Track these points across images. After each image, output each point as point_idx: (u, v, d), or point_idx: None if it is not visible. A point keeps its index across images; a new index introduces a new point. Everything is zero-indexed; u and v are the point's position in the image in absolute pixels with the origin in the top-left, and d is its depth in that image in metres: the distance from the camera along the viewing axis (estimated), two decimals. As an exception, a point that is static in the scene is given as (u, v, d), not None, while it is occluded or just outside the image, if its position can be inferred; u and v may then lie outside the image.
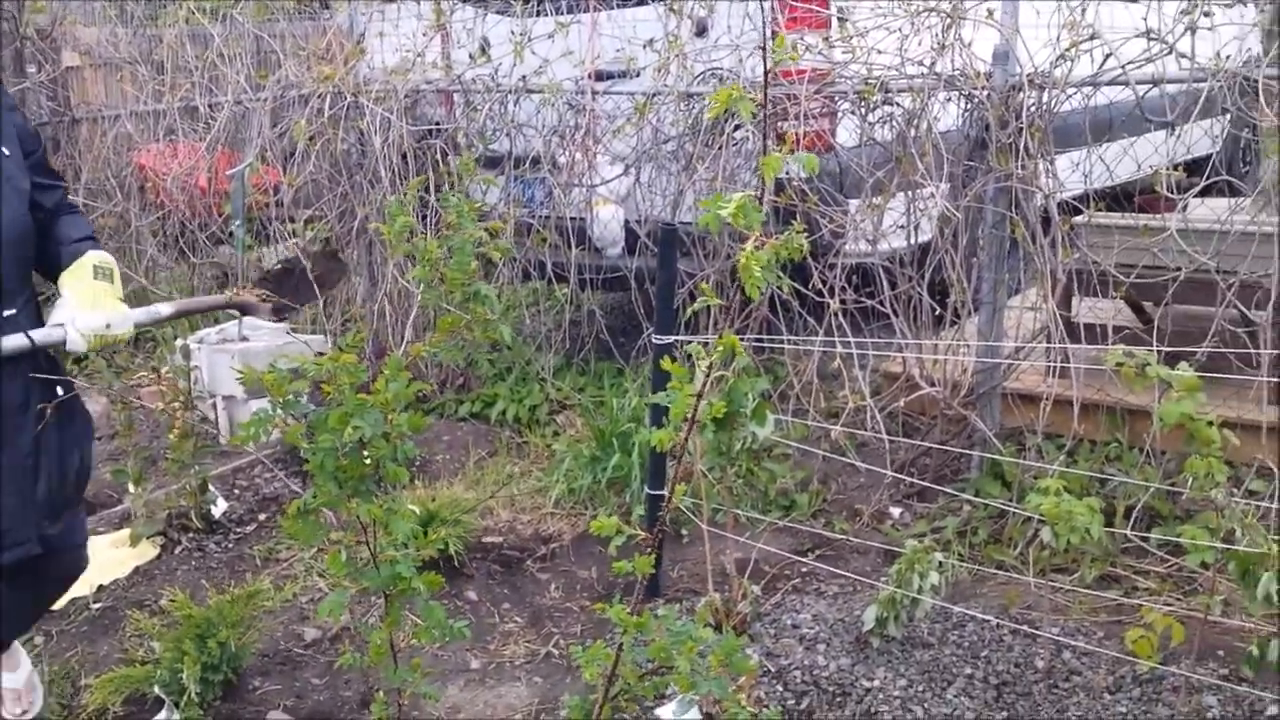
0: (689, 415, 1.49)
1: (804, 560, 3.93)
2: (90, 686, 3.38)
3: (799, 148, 4.65)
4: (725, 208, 1.32)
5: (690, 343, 1.46)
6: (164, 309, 2.98)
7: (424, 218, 5.33)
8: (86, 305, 2.62)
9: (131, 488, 4.30)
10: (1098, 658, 3.29)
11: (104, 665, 3.50)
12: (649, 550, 1.57)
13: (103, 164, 7.15)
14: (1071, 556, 3.81)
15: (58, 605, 3.89)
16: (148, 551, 4.18)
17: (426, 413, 4.37)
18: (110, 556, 4.16)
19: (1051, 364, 4.20)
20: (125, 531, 4.29)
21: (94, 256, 2.73)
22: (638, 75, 5.39)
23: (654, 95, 5.17)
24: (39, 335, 2.60)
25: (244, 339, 5.38)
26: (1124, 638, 3.21)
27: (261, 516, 4.48)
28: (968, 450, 4.21)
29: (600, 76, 5.54)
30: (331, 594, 1.46)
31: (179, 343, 5.16)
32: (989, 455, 4.04)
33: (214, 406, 5.27)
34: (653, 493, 3.87)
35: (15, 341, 2.53)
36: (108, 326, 2.64)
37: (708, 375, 1.47)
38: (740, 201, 1.32)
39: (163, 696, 3.26)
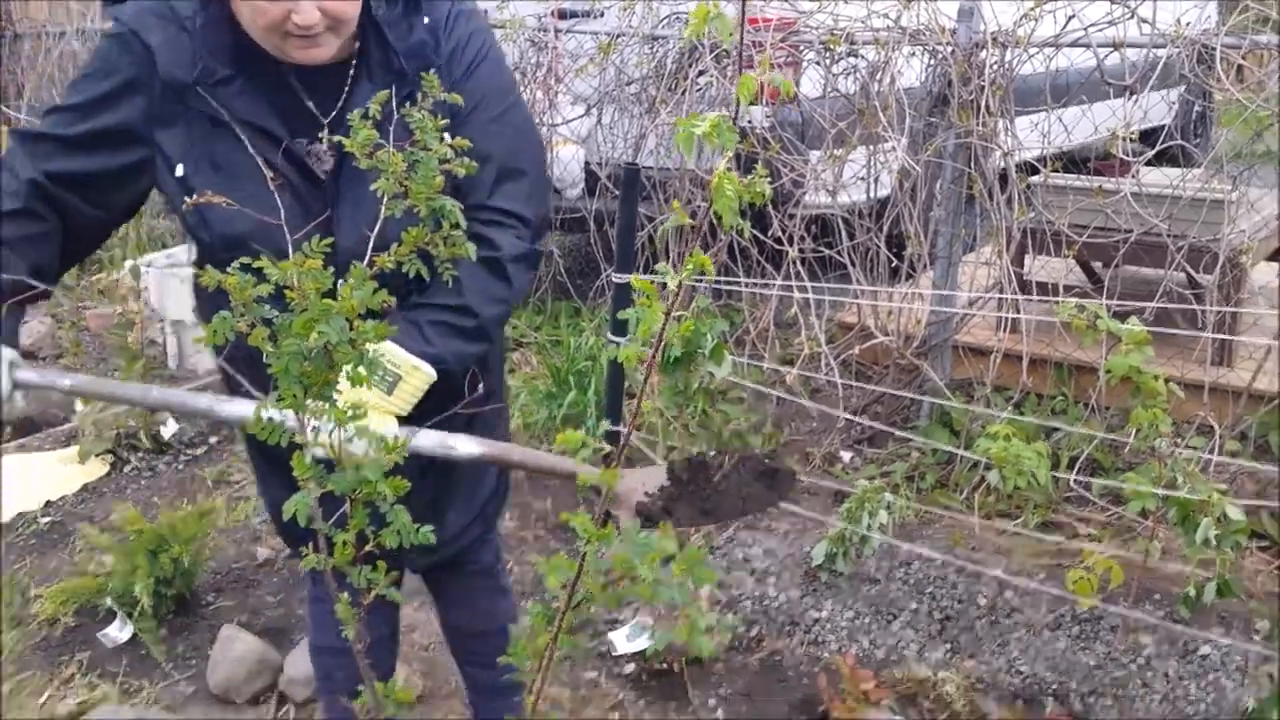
0: (655, 336, 1.49)
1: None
2: (41, 597, 3.35)
3: (762, 96, 4.67)
4: (699, 126, 1.32)
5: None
6: None
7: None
8: None
9: (79, 405, 4.23)
10: (1039, 597, 3.40)
11: (54, 578, 3.47)
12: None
13: (47, 81, 6.95)
14: (1015, 503, 3.93)
15: (6, 518, 3.85)
16: (96, 469, 4.13)
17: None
18: (58, 473, 4.10)
19: (1003, 318, 4.30)
20: (73, 449, 4.23)
21: None
22: (602, 15, 5.37)
23: (618, 36, 5.15)
24: None
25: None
26: (1065, 579, 3.32)
27: (213, 440, 4.43)
28: (919, 398, 4.30)
29: (564, 15, 5.50)
30: (297, 494, 1.46)
31: (128, 263, 5.07)
32: (939, 401, 4.13)
33: (162, 330, 5.20)
34: (610, 429, 3.91)
35: None
36: None
37: (678, 291, 1.47)
38: (715, 120, 1.33)
39: (115, 609, 3.25)
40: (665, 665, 3.21)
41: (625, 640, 3.32)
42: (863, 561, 3.58)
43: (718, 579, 3.45)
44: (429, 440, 1.83)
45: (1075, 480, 3.70)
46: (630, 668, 3.23)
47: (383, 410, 1.88)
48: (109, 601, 3.25)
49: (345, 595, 1.53)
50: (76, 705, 2.98)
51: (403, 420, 1.89)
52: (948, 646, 3.23)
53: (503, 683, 2.56)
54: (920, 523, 3.91)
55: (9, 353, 1.82)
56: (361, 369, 1.46)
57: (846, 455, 4.42)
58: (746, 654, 3.26)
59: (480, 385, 2.03)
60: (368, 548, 1.51)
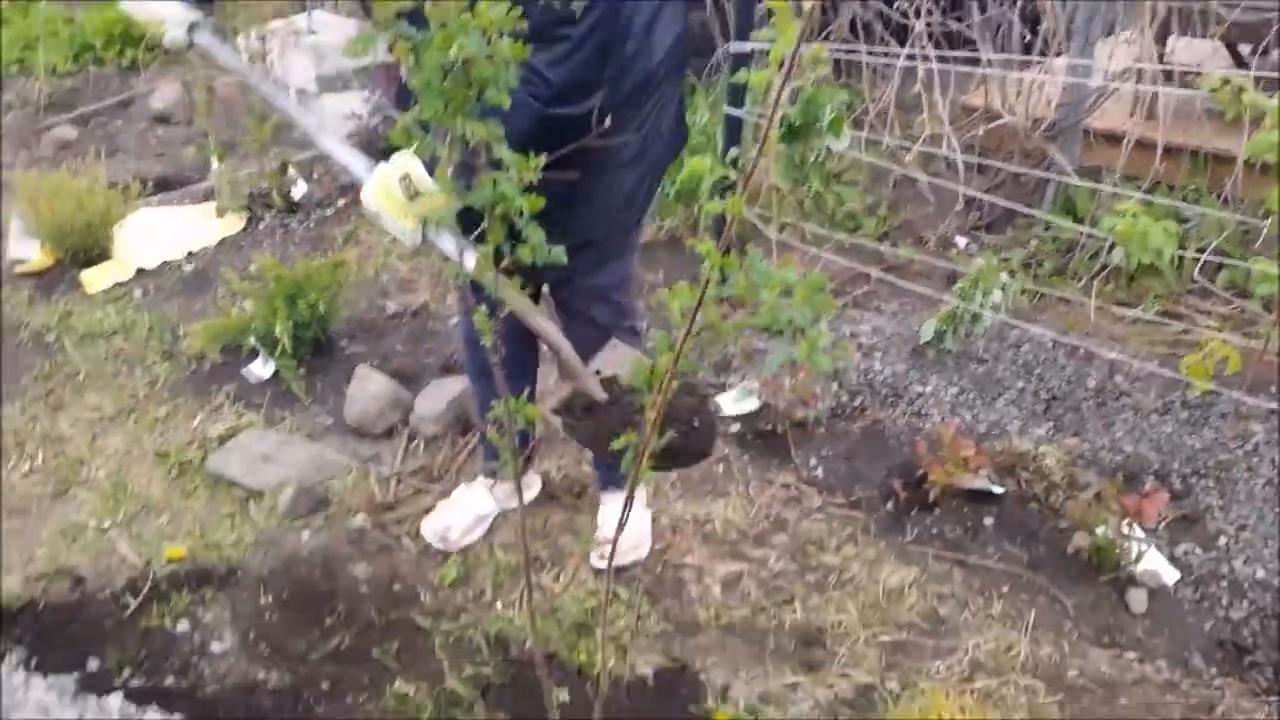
0: (785, 64, 1.47)
1: (870, 273, 3.99)
2: (189, 334, 3.61)
3: None
4: None
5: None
6: None
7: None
8: None
9: (215, 163, 4.41)
10: (1150, 382, 3.40)
11: (200, 319, 3.71)
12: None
13: None
14: (1135, 292, 3.87)
15: (152, 265, 4.11)
16: (234, 224, 4.34)
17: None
18: (198, 226, 4.32)
19: (1140, 101, 4.11)
20: (210, 205, 4.44)
21: None
22: None
23: None
24: None
25: (313, 33, 5.34)
26: (1180, 365, 3.31)
27: (341, 202, 4.59)
28: (1047, 175, 4.17)
29: None
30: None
31: (252, 31, 5.14)
32: (1067, 179, 4.00)
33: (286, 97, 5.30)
34: (725, 185, 3.92)
35: None
36: None
37: (808, 18, 1.42)
38: None
39: (258, 348, 3.49)
40: (770, 428, 3.33)
41: (732, 403, 3.45)
42: (971, 341, 3.61)
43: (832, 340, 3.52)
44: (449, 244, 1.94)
45: (1200, 274, 3.62)
46: (736, 428, 3.37)
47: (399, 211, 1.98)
48: (252, 341, 3.49)
49: (483, 308, 1.64)
50: (225, 429, 3.25)
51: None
52: (1051, 425, 3.28)
53: None
54: (1034, 309, 3.89)
55: (194, 14, 2.13)
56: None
57: (962, 241, 4.37)
58: (849, 421, 3.36)
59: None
60: (504, 263, 1.61)
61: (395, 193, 2.00)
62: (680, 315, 1.69)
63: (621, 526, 1.91)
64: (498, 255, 1.65)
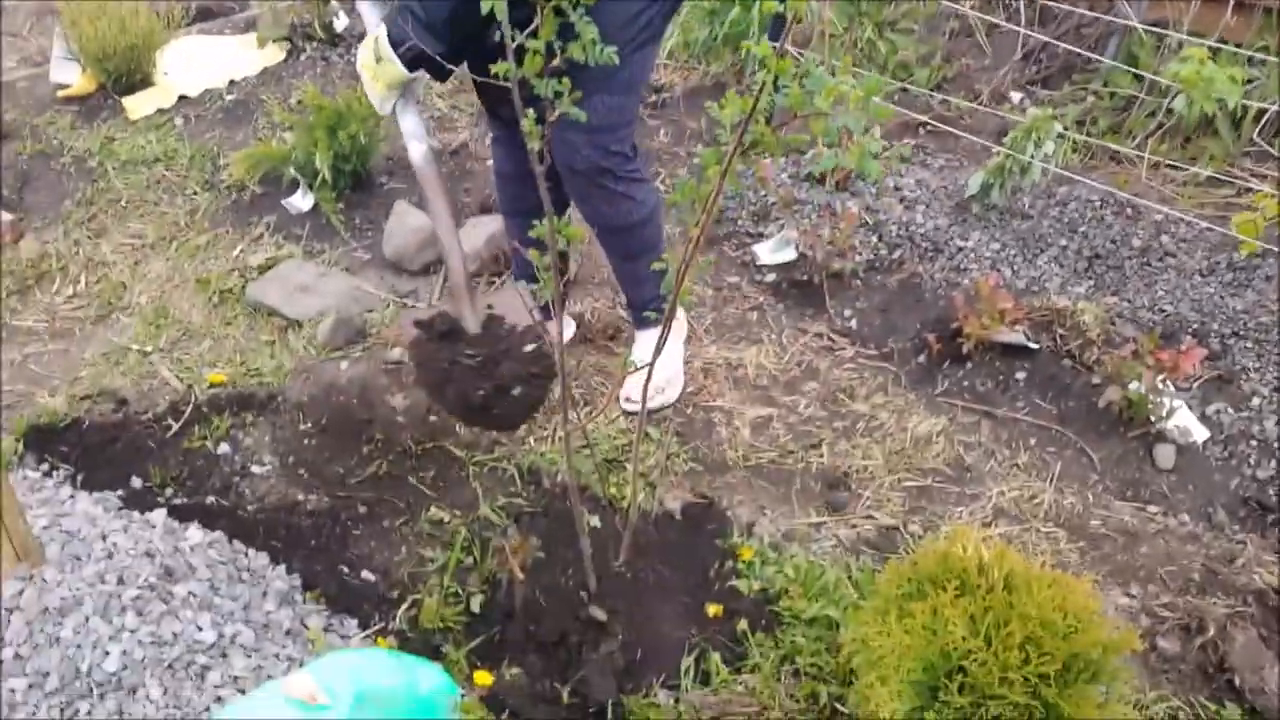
0: None
1: (921, 120, 3.91)
2: (230, 164, 3.61)
3: None
4: None
5: None
6: None
7: None
8: None
9: (259, -15, 4.33)
10: (1196, 244, 3.34)
11: (241, 149, 3.71)
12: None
13: None
14: (1190, 153, 3.76)
15: (194, 93, 4.08)
16: (274, 55, 4.29)
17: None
18: (239, 56, 4.27)
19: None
20: (252, 35, 4.38)
21: None
22: None
23: None
24: None
25: None
26: (1230, 226, 3.24)
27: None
28: (1112, 19, 4.01)
29: None
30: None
31: None
32: (1132, 23, 3.84)
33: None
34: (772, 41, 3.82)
35: None
36: None
37: None
38: None
39: (298, 179, 3.48)
40: (806, 278, 3.31)
41: (769, 252, 3.42)
42: (1017, 196, 3.54)
43: (855, 213, 3.47)
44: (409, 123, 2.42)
45: (1259, 136, 3.50)
46: (772, 277, 3.35)
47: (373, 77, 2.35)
48: (292, 172, 3.48)
49: (531, 113, 1.62)
50: (265, 259, 3.28)
51: None
52: (1091, 283, 3.24)
53: (643, 273, 2.71)
54: (1084, 166, 3.80)
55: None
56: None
57: (1016, 95, 4.24)
58: (886, 274, 3.33)
59: None
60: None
61: (370, 60, 2.32)
62: (730, 128, 1.67)
63: (658, 353, 1.93)
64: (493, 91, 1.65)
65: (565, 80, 1.60)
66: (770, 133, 1.59)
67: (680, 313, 2.94)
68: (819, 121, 1.54)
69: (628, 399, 2.81)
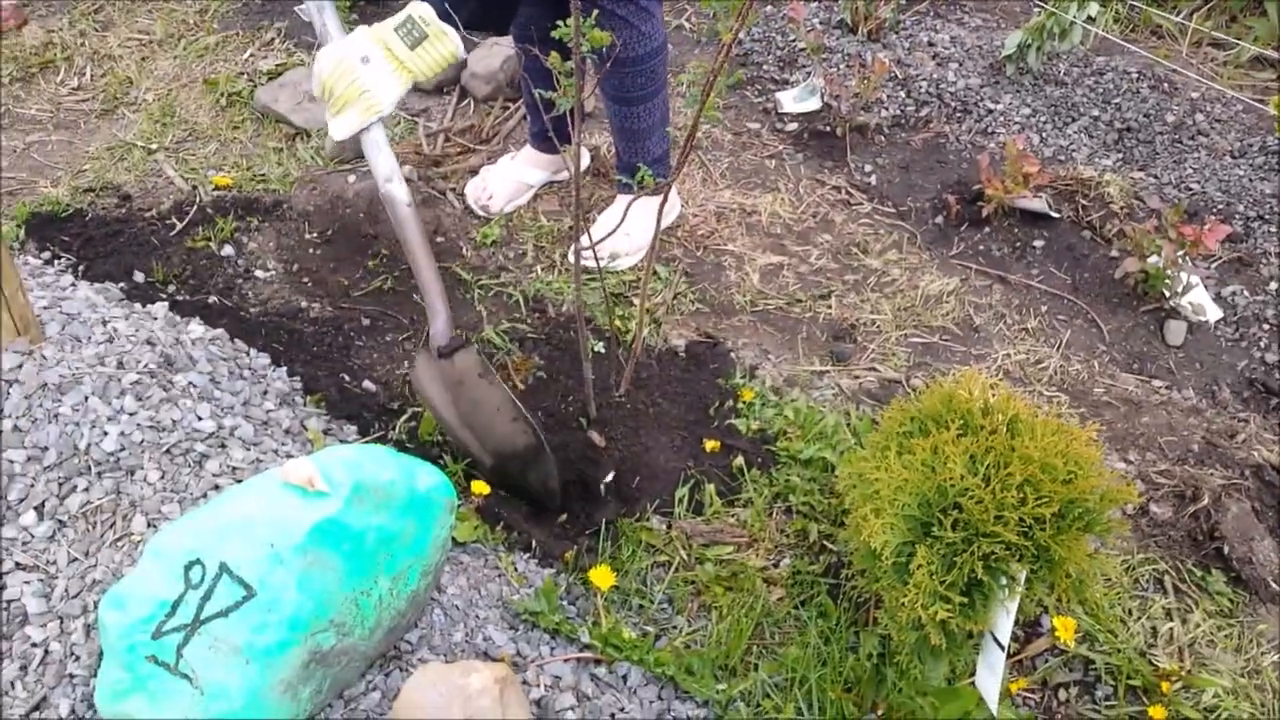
0: None
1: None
2: (242, -37, 3.48)
3: None
4: None
5: None
6: None
7: None
8: None
9: None
10: (1231, 124, 3.25)
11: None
12: None
13: None
14: (1235, 32, 3.64)
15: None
16: None
17: None
18: None
19: None
20: None
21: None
22: None
23: None
24: None
25: None
26: (1270, 105, 3.15)
27: None
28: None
29: None
30: None
31: None
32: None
33: None
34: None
35: None
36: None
37: None
38: None
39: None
40: (829, 129, 3.23)
41: (793, 101, 3.33)
42: (1053, 62, 3.43)
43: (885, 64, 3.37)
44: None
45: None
46: (793, 126, 3.27)
47: (399, 65, 1.96)
48: (305, -23, 3.35)
49: None
50: (275, 65, 3.19)
51: None
52: (1120, 156, 3.16)
53: (637, 125, 2.61)
54: (1124, 38, 3.68)
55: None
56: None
57: (1062, -41, 4.08)
58: (911, 131, 3.25)
59: None
60: None
61: (351, 71, 1.93)
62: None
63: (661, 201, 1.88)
64: None
65: None
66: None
67: (674, 196, 2.85)
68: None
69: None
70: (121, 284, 2.49)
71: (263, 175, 2.87)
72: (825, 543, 2.05)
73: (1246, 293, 2.73)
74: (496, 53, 3.18)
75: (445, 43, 1.97)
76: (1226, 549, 2.01)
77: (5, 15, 3.27)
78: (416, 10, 1.97)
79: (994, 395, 1.71)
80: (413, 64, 1.97)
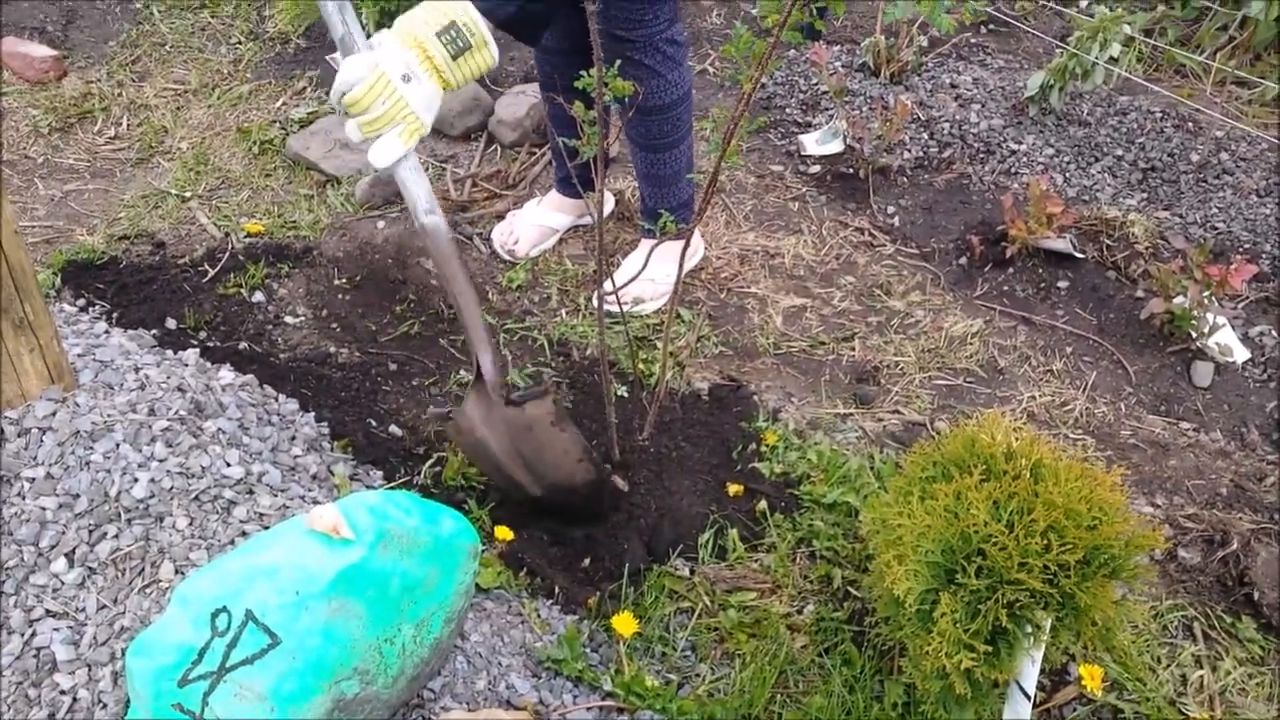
0: None
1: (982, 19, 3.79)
2: (275, 15, 3.55)
3: None
4: None
5: None
6: None
7: None
8: None
9: None
10: (1256, 163, 3.24)
11: None
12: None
13: None
14: (1259, 71, 3.64)
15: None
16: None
17: None
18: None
19: None
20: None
21: None
22: None
23: None
24: None
25: None
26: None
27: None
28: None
29: None
30: None
31: None
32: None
33: None
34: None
35: None
36: None
37: None
38: None
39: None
40: (851, 171, 3.25)
41: (816, 143, 3.36)
42: (1076, 102, 3.44)
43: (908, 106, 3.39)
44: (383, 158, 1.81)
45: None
46: (816, 169, 3.29)
47: (437, 76, 1.81)
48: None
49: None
50: (307, 114, 3.25)
51: None
52: (1144, 195, 3.16)
53: (662, 171, 2.64)
54: (1148, 77, 3.69)
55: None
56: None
57: (1084, 0, 4.10)
58: (934, 173, 3.26)
59: None
60: None
61: (391, 88, 1.77)
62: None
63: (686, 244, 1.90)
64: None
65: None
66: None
67: (697, 236, 2.87)
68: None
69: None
70: (154, 331, 2.53)
71: (293, 222, 2.92)
72: (849, 589, 2.04)
73: (1274, 333, 2.71)
74: (523, 100, 3.23)
75: (486, 53, 1.83)
76: (1257, 595, 1.99)
77: (45, 68, 3.36)
78: (460, 12, 1.80)
79: (1017, 439, 1.71)
80: (451, 74, 1.82)
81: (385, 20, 3.24)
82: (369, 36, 1.81)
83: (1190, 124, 3.39)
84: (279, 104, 3.32)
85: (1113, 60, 3.15)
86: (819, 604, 2.02)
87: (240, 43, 3.57)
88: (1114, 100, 3.48)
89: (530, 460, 2.04)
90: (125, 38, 3.59)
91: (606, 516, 2.13)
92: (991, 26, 3.96)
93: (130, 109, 3.31)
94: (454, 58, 1.79)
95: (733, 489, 2.25)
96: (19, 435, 1.87)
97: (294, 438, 2.18)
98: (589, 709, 1.78)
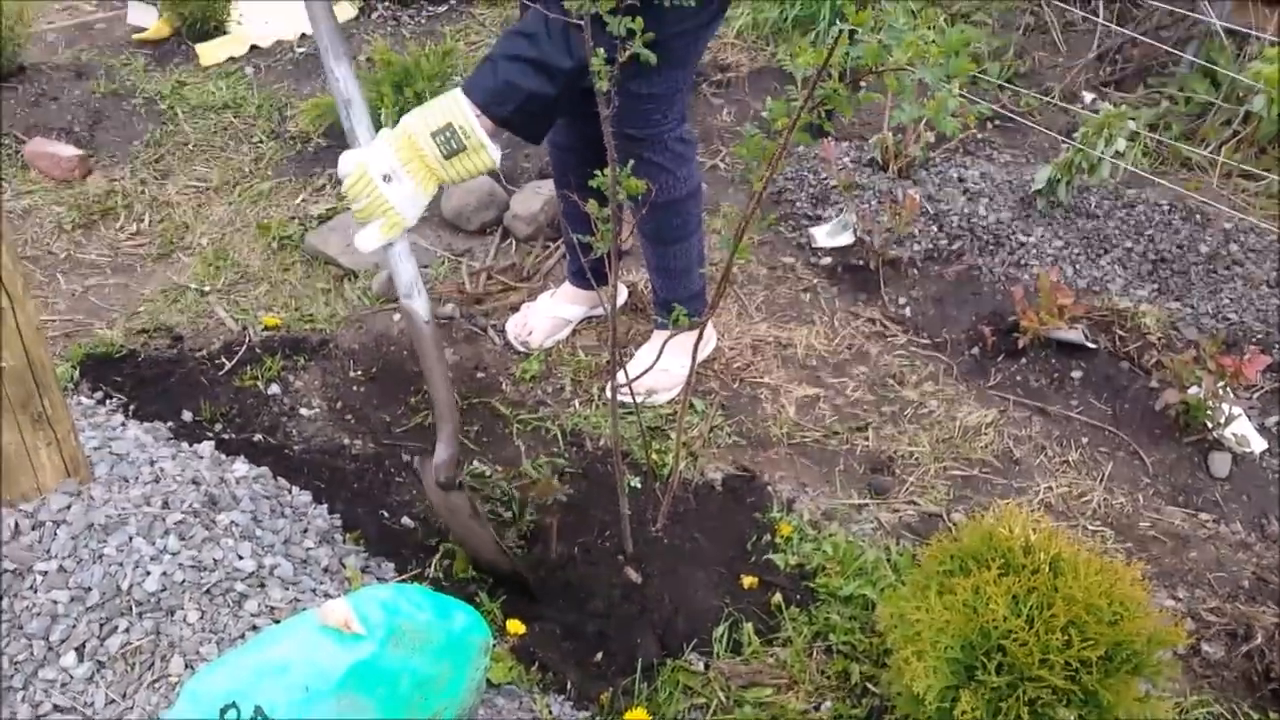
0: None
1: (989, 115, 3.86)
2: (296, 115, 3.64)
3: None
4: None
5: None
6: None
7: None
8: None
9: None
10: (1266, 254, 3.26)
11: (308, 100, 3.74)
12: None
13: None
14: (1264, 164, 3.68)
15: (266, 44, 4.12)
16: (347, 11, 4.33)
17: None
18: (310, 11, 4.30)
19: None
20: (324, -10, 4.41)
21: None
22: None
23: None
24: None
25: None
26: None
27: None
28: (1196, 15, 3.93)
29: None
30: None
31: None
32: (1211, 22, 3.75)
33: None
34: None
35: None
36: None
37: None
38: None
39: (361, 132, 3.50)
40: (862, 263, 3.28)
41: (826, 236, 3.39)
42: (1084, 195, 3.48)
43: (916, 201, 3.44)
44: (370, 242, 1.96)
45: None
46: (827, 260, 3.32)
47: (428, 173, 1.91)
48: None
49: (601, 51, 1.61)
50: (325, 210, 3.31)
51: None
52: (1155, 286, 3.18)
53: (672, 264, 2.67)
54: (1154, 171, 3.73)
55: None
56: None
57: (1089, 96, 4.17)
58: (944, 264, 3.29)
59: None
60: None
61: (373, 186, 1.89)
62: (802, 81, 1.64)
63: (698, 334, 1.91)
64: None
65: (638, 20, 1.59)
66: (843, 88, 1.57)
67: (710, 328, 2.89)
68: (894, 83, 1.51)
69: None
70: (170, 423, 2.54)
71: (310, 315, 2.95)
72: (868, 684, 2.00)
73: (1291, 423, 2.70)
74: (537, 196, 3.28)
75: (483, 155, 1.92)
76: (1285, 691, 1.95)
77: (71, 167, 3.44)
78: (458, 115, 1.88)
79: (1035, 532, 1.70)
80: (443, 171, 1.92)
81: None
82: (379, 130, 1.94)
83: (1198, 216, 3.42)
84: (299, 200, 3.38)
85: (1118, 155, 3.19)
86: (836, 701, 1.98)
87: (262, 141, 3.65)
88: (1121, 193, 3.52)
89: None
90: (149, 137, 3.68)
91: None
92: (997, 122, 4.02)
93: (152, 206, 3.38)
94: (447, 157, 1.90)
95: (747, 581, 2.23)
96: (33, 528, 1.87)
97: (306, 530, 2.18)
98: (602, 810, 1.74)
